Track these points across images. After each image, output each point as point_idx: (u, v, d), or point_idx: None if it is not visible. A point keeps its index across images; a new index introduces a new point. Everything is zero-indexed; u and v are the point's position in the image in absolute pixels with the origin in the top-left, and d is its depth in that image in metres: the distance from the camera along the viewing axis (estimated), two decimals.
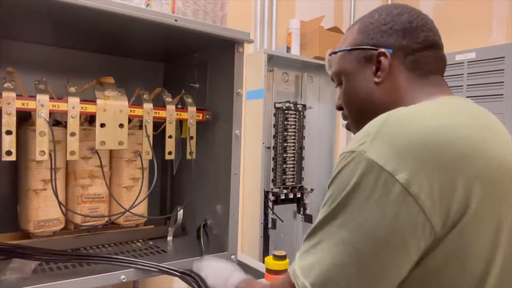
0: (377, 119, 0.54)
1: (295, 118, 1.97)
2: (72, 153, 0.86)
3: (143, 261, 0.87)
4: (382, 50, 0.63)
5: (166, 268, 0.88)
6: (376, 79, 0.64)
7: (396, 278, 0.49)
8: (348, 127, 0.75)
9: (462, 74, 1.68)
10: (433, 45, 0.64)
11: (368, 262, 0.48)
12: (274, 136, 1.91)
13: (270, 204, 1.91)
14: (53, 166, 0.86)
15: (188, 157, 1.05)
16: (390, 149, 0.49)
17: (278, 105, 1.91)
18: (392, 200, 0.47)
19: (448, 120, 0.53)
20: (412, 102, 0.61)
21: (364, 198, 0.49)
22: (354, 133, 0.71)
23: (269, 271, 1.07)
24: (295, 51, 2.08)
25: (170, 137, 1.00)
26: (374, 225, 0.48)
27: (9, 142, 0.79)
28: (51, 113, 0.83)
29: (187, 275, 0.89)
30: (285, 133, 1.93)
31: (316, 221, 0.55)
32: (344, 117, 0.74)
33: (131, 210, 0.97)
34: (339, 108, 0.74)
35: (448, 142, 0.49)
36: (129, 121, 0.98)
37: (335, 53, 0.72)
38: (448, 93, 0.64)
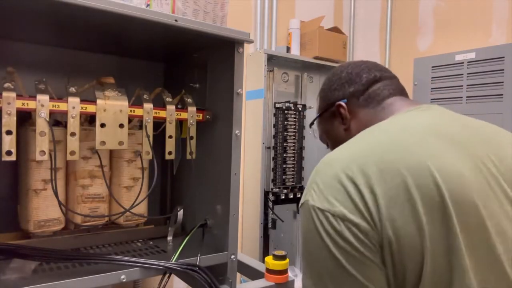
0: (314, 169, 0.62)
1: (295, 118, 1.97)
2: (72, 153, 0.86)
3: (144, 260, 0.87)
4: (338, 102, 0.75)
5: (169, 265, 0.88)
6: (343, 126, 0.76)
7: None
8: None
9: (462, 74, 1.68)
10: (377, 80, 0.74)
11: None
12: (274, 136, 1.91)
13: (270, 204, 1.91)
14: (53, 166, 0.86)
15: (188, 157, 1.05)
16: (321, 192, 0.56)
17: (278, 105, 1.91)
18: (337, 231, 0.53)
19: (373, 145, 0.59)
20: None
21: (316, 239, 0.55)
22: None
23: (269, 271, 1.07)
24: (295, 51, 2.08)
25: (170, 137, 1.00)
26: (333, 258, 0.54)
27: (9, 142, 0.79)
28: (51, 113, 0.83)
29: (190, 270, 0.89)
30: (285, 133, 1.93)
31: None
32: None
33: (131, 210, 0.97)
34: None
35: (365, 168, 0.55)
36: (129, 121, 0.98)
37: (312, 123, 0.87)
38: (405, 107, 0.70)
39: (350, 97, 0.75)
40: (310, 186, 0.59)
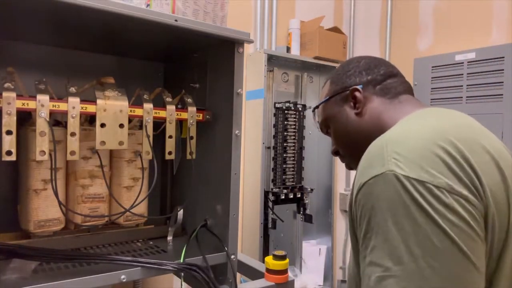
0: (375, 145, 0.58)
1: (295, 118, 1.97)
2: (72, 153, 0.86)
3: (144, 260, 0.87)
4: (354, 86, 0.75)
5: (168, 265, 0.88)
6: (356, 111, 0.75)
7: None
8: (350, 167, 0.82)
9: (462, 74, 1.68)
10: (394, 75, 0.76)
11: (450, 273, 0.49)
12: (274, 136, 1.91)
13: (270, 204, 1.91)
14: (53, 166, 0.86)
15: (188, 157, 1.05)
16: (412, 163, 0.51)
17: (278, 105, 1.91)
18: (445, 204, 0.49)
19: (441, 125, 0.59)
20: (391, 121, 0.69)
21: (416, 213, 0.49)
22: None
23: (269, 271, 1.07)
24: (295, 51, 2.08)
25: (170, 137, 1.00)
26: (442, 233, 0.48)
27: (9, 142, 0.79)
28: (51, 113, 0.83)
29: (189, 269, 0.89)
30: (285, 133, 1.93)
31: (367, 254, 0.54)
32: (342, 159, 0.83)
33: (131, 210, 0.97)
34: (335, 153, 0.83)
35: (453, 142, 0.54)
36: (129, 121, 0.98)
37: (317, 107, 0.84)
38: (421, 106, 0.71)
39: (366, 84, 0.75)
40: (385, 157, 0.53)
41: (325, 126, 0.83)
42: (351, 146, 0.78)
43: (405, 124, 0.63)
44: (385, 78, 0.76)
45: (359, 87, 0.75)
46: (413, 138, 0.55)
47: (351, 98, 0.75)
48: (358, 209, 0.55)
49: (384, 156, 0.53)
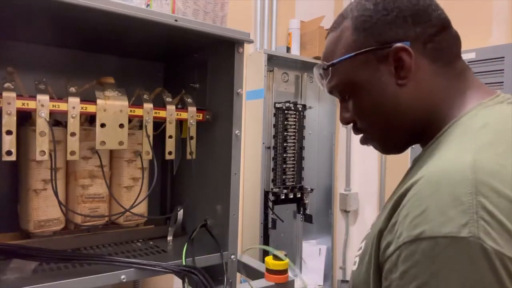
0: (449, 174, 0.39)
1: (295, 118, 1.97)
2: (72, 153, 0.86)
3: (143, 261, 0.87)
4: (399, 44, 0.51)
5: (167, 266, 0.88)
6: (400, 81, 0.52)
7: None
8: (365, 142, 0.62)
9: None
10: (447, 25, 0.55)
11: None
12: (274, 136, 1.92)
13: (270, 204, 1.91)
14: (53, 166, 0.86)
15: (188, 157, 1.05)
16: (500, 226, 0.35)
17: (278, 105, 1.91)
18: None
19: None
20: (445, 105, 0.52)
21: None
22: (379, 149, 0.61)
23: (269, 271, 1.07)
24: (295, 51, 2.08)
25: (170, 137, 1.00)
26: None
27: (9, 142, 0.79)
28: (51, 113, 0.83)
29: (188, 271, 0.89)
30: (285, 133, 1.93)
31: None
32: (358, 131, 0.61)
33: (131, 210, 0.97)
34: (349, 123, 0.61)
35: None
36: (129, 121, 0.98)
37: (333, 65, 0.58)
38: (482, 85, 0.54)
39: (414, 40, 0.52)
40: (471, 206, 0.36)
41: (341, 91, 0.60)
42: (383, 123, 0.56)
43: (495, 140, 0.42)
44: (438, 31, 0.53)
45: (406, 44, 0.51)
46: (506, 178, 0.36)
47: (393, 60, 0.52)
48: (402, 260, 0.39)
49: (468, 204, 0.36)
